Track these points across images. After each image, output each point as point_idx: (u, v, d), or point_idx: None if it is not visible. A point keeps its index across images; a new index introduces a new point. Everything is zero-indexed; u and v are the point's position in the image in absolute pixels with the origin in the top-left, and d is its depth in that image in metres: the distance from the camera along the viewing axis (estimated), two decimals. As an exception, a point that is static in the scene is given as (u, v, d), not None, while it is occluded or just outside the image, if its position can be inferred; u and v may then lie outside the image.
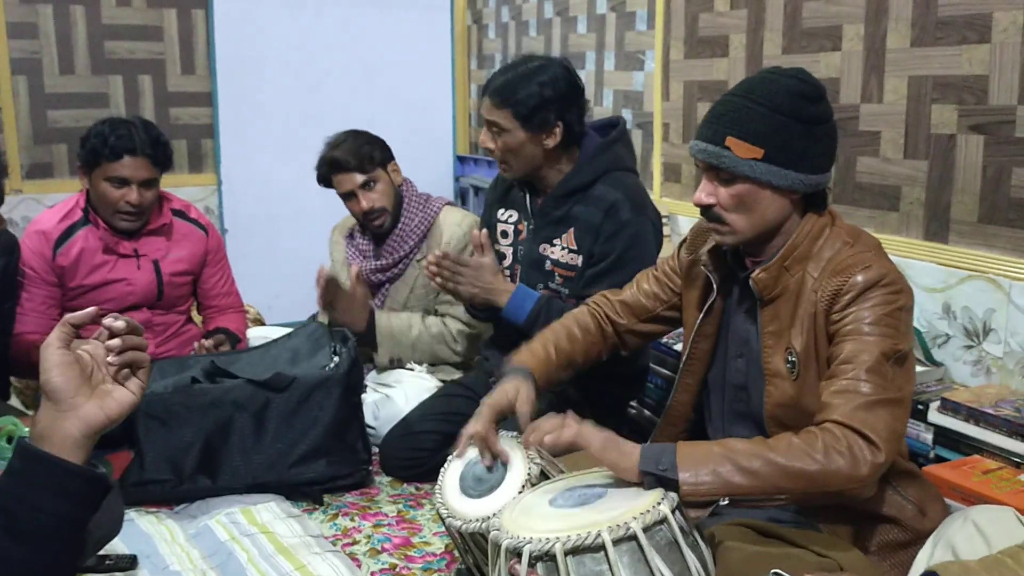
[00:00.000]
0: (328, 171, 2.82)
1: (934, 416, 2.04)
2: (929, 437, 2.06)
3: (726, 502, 1.45)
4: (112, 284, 2.70)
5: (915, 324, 2.30)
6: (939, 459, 2.03)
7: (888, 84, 2.38)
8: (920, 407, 2.07)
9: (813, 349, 1.62)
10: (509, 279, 2.50)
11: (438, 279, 2.37)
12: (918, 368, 2.22)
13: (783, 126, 1.59)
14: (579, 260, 2.36)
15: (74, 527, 1.04)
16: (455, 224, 2.87)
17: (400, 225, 2.87)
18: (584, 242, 2.34)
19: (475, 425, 1.76)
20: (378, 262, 2.86)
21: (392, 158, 2.89)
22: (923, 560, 1.49)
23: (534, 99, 2.28)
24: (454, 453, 1.82)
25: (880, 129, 2.42)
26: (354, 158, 2.78)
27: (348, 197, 2.83)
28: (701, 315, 1.82)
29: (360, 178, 2.78)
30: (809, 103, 1.62)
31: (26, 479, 1.02)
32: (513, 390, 1.82)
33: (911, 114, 2.33)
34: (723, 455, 1.46)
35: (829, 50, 2.55)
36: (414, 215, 2.88)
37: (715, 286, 1.79)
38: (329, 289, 2.66)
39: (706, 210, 1.68)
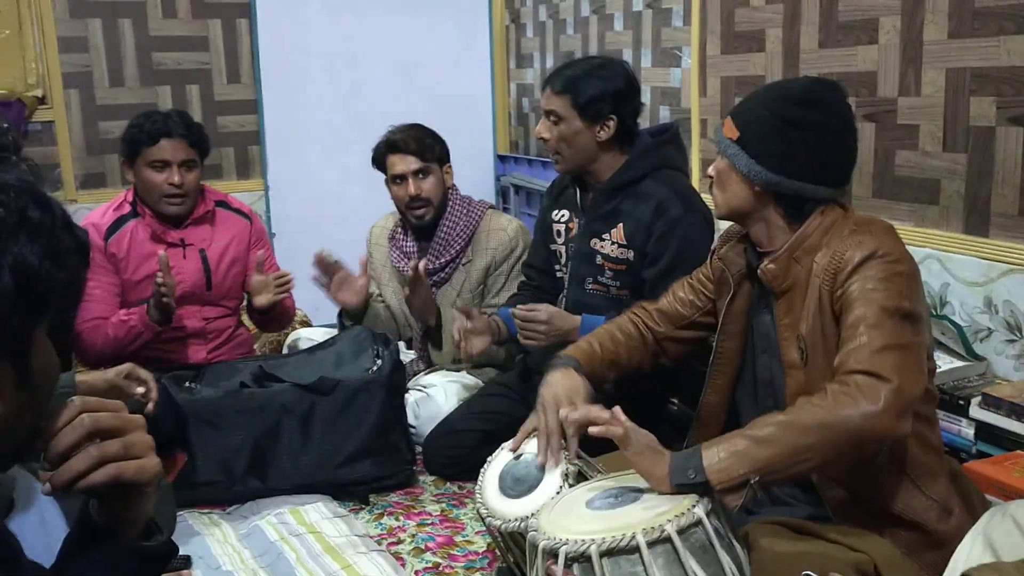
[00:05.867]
0: (385, 151, 2.87)
1: (976, 411, 2.03)
2: (971, 432, 2.05)
3: (757, 479, 1.46)
4: None
5: (955, 319, 2.28)
6: (981, 455, 2.02)
7: (926, 77, 2.36)
8: (961, 402, 2.06)
9: (820, 332, 1.64)
10: (564, 278, 2.57)
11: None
12: (958, 363, 2.21)
13: (761, 118, 1.68)
14: (630, 255, 2.40)
15: None
16: (500, 229, 2.91)
17: (445, 228, 2.90)
18: (636, 239, 2.38)
19: (537, 420, 1.81)
20: (427, 266, 2.88)
21: (448, 160, 2.94)
22: (961, 558, 1.48)
23: (592, 89, 2.36)
24: (510, 445, 1.86)
25: (918, 122, 2.40)
26: (415, 143, 2.84)
27: (398, 180, 2.86)
28: (723, 313, 1.85)
29: (416, 163, 2.83)
30: (792, 105, 1.67)
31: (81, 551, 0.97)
32: (562, 377, 1.87)
33: (949, 106, 2.31)
34: (740, 435, 1.50)
35: (866, 43, 2.53)
36: (458, 219, 2.91)
37: (731, 282, 1.82)
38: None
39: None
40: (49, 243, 0.87)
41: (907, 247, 1.67)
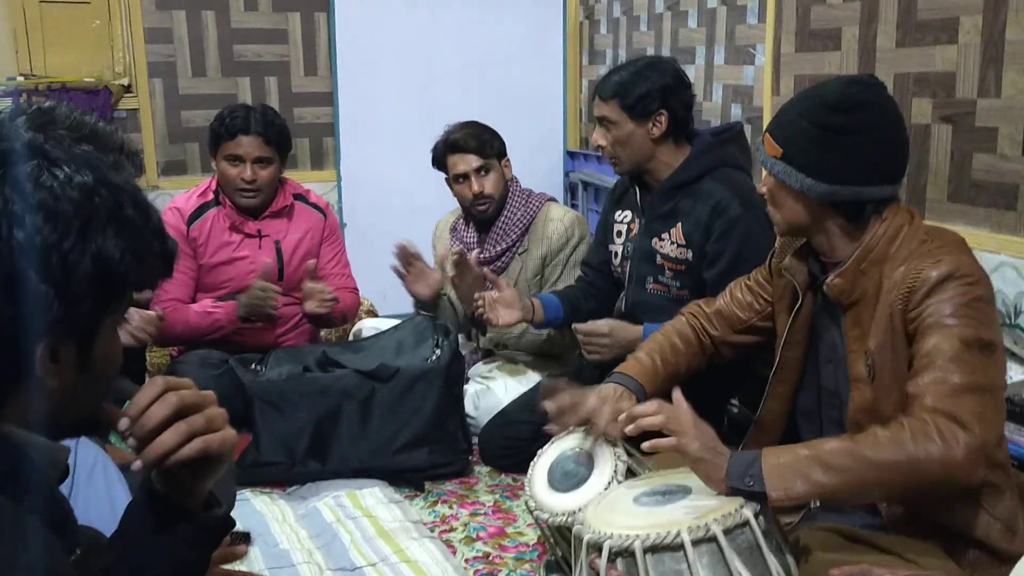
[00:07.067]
0: (445, 151, 2.89)
1: (1047, 424, 1.96)
2: (1042, 446, 1.97)
3: (817, 504, 1.44)
4: (235, 262, 2.87)
5: (1030, 329, 2.21)
6: (1051, 470, 1.94)
7: (1007, 78, 2.28)
8: (1032, 414, 1.99)
9: (889, 350, 1.59)
10: (621, 278, 2.58)
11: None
12: (1032, 375, 2.13)
13: (801, 131, 1.63)
14: (689, 254, 2.38)
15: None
16: (557, 219, 2.92)
17: (503, 218, 2.93)
18: (694, 238, 2.37)
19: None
20: (481, 255, 2.92)
21: (506, 154, 2.96)
22: (1020, 573, 1.44)
23: (638, 88, 2.37)
24: (559, 436, 1.88)
25: (997, 125, 2.32)
26: (474, 141, 2.86)
27: (460, 179, 2.88)
28: (789, 322, 1.81)
29: (476, 161, 2.85)
30: (832, 112, 1.61)
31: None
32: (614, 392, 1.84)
33: (1031, 109, 2.23)
34: (808, 457, 1.45)
35: (945, 43, 2.45)
36: (517, 209, 2.94)
37: (799, 292, 1.78)
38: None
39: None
40: (135, 241, 0.90)
41: (982, 253, 1.62)
